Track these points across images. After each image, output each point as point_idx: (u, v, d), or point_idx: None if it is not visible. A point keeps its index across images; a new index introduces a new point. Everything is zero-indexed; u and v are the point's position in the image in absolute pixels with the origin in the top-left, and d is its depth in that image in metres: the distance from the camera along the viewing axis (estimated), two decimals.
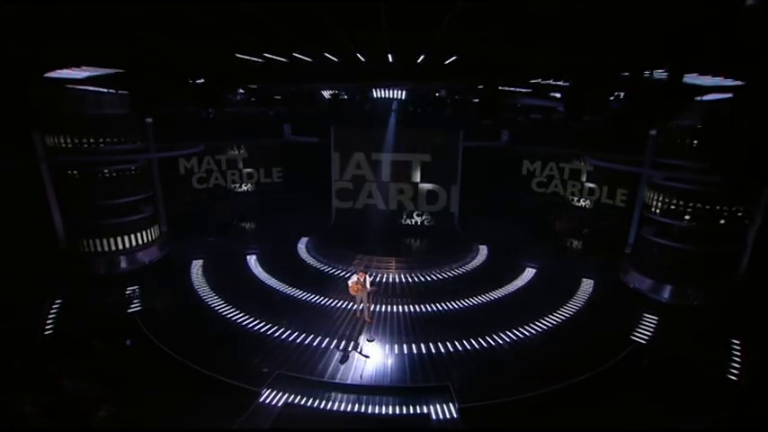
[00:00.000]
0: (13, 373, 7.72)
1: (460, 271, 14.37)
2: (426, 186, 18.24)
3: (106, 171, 13.02)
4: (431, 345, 9.61)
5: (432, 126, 17.17)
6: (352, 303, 10.97)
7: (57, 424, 6.63)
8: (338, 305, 11.44)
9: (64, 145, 12.53)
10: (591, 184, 17.52)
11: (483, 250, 15.98)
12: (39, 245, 12.93)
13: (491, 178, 18.93)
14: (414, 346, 9.58)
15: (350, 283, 9.82)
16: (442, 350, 9.45)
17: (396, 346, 9.58)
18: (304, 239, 16.58)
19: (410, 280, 13.45)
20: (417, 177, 18.18)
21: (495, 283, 12.99)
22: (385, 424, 7.24)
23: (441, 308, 11.53)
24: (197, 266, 13.79)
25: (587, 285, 13.01)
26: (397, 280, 13.39)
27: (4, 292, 10.09)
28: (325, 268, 14.22)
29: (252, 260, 14.54)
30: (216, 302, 11.47)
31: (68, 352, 8.54)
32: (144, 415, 7.03)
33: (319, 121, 17.97)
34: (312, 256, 15.16)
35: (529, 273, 14.04)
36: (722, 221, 11.55)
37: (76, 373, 7.76)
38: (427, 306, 11.55)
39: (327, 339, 9.74)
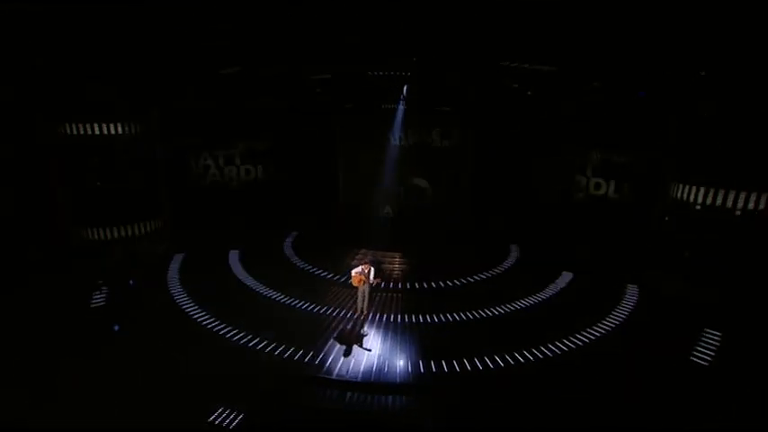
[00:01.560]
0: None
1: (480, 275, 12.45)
2: (423, 182, 16.95)
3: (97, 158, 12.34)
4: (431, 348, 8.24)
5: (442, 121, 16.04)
6: (346, 310, 9.85)
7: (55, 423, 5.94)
8: (332, 306, 10.08)
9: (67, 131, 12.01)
10: (598, 179, 15.52)
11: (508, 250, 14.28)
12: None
13: (503, 172, 17.19)
14: (412, 349, 8.26)
15: (353, 273, 9.19)
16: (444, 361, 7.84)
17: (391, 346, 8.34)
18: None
19: (421, 286, 11.65)
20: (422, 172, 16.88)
21: (522, 290, 11.12)
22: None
23: (450, 316, 9.81)
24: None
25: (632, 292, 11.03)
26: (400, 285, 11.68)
27: None
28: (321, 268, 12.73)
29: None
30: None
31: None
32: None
33: (321, 112, 17.04)
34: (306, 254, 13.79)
35: (565, 277, 12.13)
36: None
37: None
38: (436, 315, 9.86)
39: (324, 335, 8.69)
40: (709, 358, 8.07)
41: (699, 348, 8.36)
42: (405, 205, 17.24)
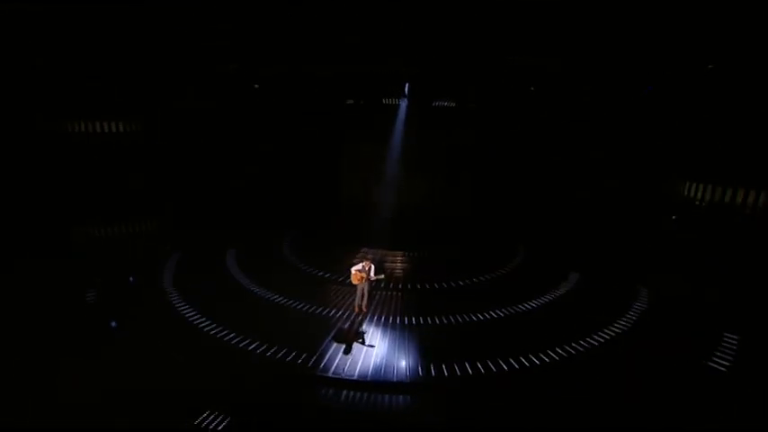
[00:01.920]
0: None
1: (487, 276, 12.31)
2: (420, 180, 17.02)
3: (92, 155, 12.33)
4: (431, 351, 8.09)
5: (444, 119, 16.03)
6: (345, 309, 9.80)
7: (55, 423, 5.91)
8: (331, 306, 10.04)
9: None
10: (601, 179, 15.61)
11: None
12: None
13: (504, 172, 17.29)
14: (412, 349, 8.12)
15: (353, 270, 9.14)
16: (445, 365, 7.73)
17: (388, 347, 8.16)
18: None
19: (422, 286, 11.61)
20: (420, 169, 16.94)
21: (527, 291, 10.99)
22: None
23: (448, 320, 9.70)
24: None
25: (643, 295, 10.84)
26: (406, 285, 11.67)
27: None
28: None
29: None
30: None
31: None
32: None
33: (321, 112, 17.04)
34: (306, 254, 13.74)
35: (572, 278, 11.98)
36: None
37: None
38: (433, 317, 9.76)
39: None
40: (727, 363, 7.88)
41: (716, 352, 8.20)
42: (406, 205, 17.22)
